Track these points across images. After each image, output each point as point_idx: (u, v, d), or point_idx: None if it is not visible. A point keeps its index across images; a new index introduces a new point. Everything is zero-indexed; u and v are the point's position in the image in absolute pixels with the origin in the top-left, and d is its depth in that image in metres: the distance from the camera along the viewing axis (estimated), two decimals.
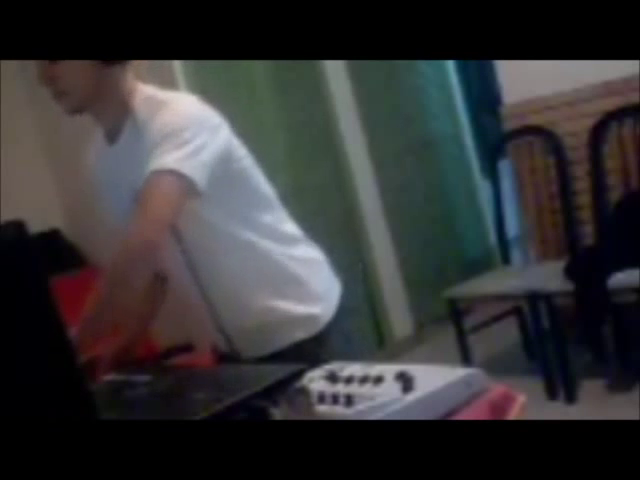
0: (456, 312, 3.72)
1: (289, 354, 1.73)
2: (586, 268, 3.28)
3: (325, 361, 1.38)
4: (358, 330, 1.91)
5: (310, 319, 1.76)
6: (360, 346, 1.86)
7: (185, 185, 1.52)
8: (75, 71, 1.59)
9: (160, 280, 1.83)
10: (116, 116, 1.66)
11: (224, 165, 1.62)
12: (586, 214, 3.65)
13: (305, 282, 1.77)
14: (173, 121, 1.57)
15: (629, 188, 3.47)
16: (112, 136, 1.69)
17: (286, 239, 1.77)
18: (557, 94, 3.65)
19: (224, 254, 1.69)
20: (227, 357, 1.81)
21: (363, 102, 4.51)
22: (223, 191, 1.63)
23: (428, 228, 4.85)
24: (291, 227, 1.80)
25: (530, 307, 3.49)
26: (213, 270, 1.70)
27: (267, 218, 1.74)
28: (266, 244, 1.71)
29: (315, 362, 1.40)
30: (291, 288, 1.75)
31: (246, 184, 1.70)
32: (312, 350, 1.71)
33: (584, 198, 3.65)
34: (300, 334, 1.75)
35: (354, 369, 1.25)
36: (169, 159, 1.51)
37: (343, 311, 1.81)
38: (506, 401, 1.17)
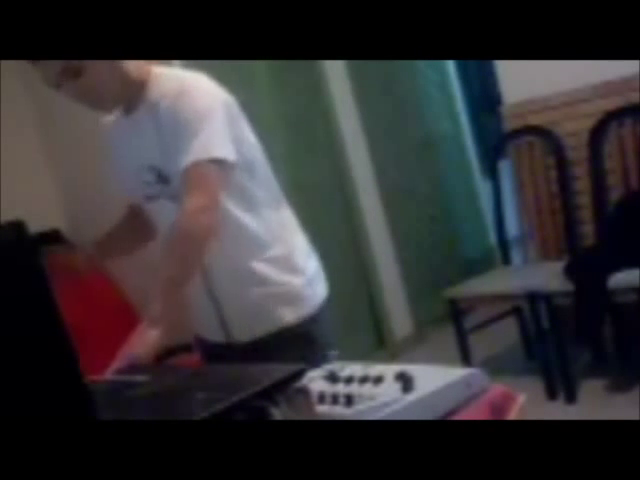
0: (456, 312, 3.72)
1: (278, 339, 1.78)
2: (586, 268, 3.28)
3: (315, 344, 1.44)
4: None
5: (296, 296, 1.81)
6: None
7: (222, 167, 1.64)
8: (102, 74, 1.65)
9: (147, 229, 1.91)
10: (132, 94, 1.73)
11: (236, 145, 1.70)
12: (586, 214, 3.65)
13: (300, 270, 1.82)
14: (194, 107, 1.64)
15: (629, 188, 3.47)
16: (128, 108, 1.77)
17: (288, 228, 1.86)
18: (557, 94, 3.65)
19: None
20: (219, 347, 1.87)
21: (363, 102, 4.50)
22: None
23: (428, 228, 4.85)
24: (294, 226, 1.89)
25: (530, 307, 3.49)
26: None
27: (267, 212, 1.81)
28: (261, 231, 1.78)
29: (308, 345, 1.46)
30: (278, 260, 1.81)
31: (254, 168, 1.77)
32: (301, 334, 1.78)
33: (584, 198, 3.65)
34: (287, 314, 1.79)
35: (354, 369, 1.25)
36: (199, 148, 1.62)
37: (327, 309, 1.87)
38: (506, 401, 1.17)
